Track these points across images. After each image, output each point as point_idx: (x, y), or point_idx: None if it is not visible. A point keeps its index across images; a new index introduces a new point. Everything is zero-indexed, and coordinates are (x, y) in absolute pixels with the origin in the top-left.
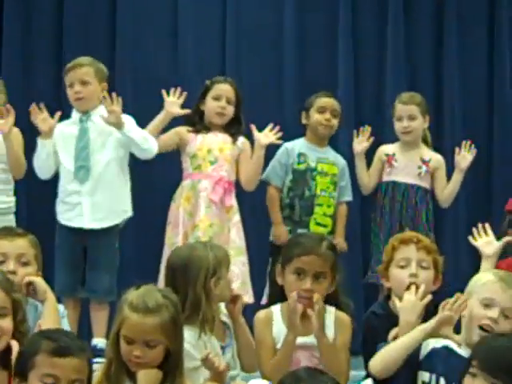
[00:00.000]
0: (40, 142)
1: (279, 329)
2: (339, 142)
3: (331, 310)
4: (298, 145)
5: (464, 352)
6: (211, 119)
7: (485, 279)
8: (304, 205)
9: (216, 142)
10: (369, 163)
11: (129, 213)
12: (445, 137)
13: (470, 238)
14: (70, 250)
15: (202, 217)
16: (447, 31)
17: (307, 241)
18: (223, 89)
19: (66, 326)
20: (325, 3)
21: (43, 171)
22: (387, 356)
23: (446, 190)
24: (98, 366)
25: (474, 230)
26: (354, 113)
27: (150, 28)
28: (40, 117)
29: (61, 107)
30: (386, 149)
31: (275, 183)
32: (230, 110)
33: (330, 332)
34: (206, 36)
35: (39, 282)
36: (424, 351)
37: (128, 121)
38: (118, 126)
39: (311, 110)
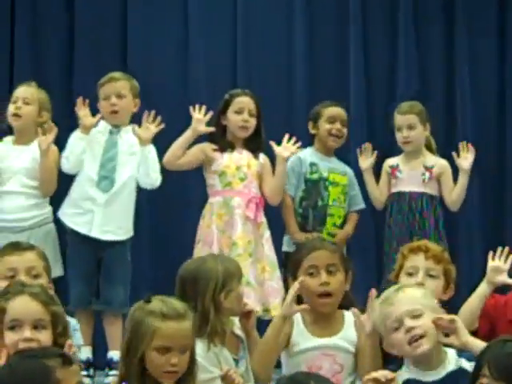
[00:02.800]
0: (79, 135)
1: (299, 332)
2: (351, 152)
3: (349, 314)
4: (309, 154)
5: (424, 376)
6: (235, 133)
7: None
8: (317, 215)
9: (243, 159)
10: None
11: (131, 232)
12: (457, 140)
13: (490, 255)
14: (84, 261)
15: (240, 234)
16: (458, 35)
17: (309, 241)
18: (244, 101)
19: (79, 339)
20: (335, 18)
21: (73, 164)
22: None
23: (454, 194)
24: (113, 378)
25: (499, 250)
26: (366, 122)
27: (160, 41)
28: (83, 111)
29: (71, 120)
30: (390, 161)
31: (290, 192)
32: (253, 123)
33: (352, 335)
34: (216, 48)
35: None
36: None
37: (152, 147)
38: (145, 142)
39: (320, 121)
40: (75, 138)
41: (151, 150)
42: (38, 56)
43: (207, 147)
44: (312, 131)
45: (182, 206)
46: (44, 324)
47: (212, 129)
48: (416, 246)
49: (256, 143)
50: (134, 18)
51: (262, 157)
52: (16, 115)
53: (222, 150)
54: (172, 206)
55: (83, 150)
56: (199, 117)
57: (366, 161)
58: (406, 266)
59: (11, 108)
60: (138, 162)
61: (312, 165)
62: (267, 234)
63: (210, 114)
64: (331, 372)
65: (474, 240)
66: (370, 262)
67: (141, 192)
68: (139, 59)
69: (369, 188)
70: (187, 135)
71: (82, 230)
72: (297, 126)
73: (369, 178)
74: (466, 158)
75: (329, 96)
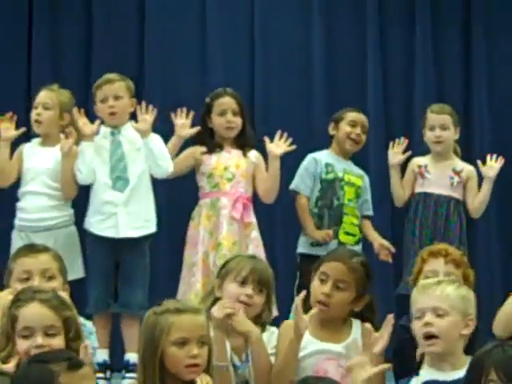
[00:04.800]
0: (84, 144)
1: (304, 338)
2: (369, 157)
3: (357, 323)
4: (324, 155)
5: (443, 376)
6: (222, 135)
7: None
8: (333, 214)
9: (231, 159)
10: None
11: (155, 224)
12: (474, 148)
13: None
14: (103, 264)
15: (225, 234)
16: (475, 42)
17: (339, 250)
18: (226, 102)
19: (94, 342)
20: (352, 21)
21: (86, 174)
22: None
23: (477, 200)
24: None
25: None
26: (384, 128)
27: (178, 51)
28: (82, 120)
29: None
30: (418, 161)
31: (304, 192)
32: (238, 121)
33: (358, 345)
34: (234, 53)
35: None
36: None
37: (155, 136)
38: (145, 134)
39: (341, 123)
40: (82, 147)
41: (154, 139)
42: (56, 57)
43: (197, 151)
44: (332, 132)
45: (187, 209)
46: (56, 330)
47: (196, 129)
48: (436, 250)
49: (243, 141)
50: (152, 30)
51: (255, 155)
52: (37, 121)
53: (211, 151)
54: (191, 208)
55: (92, 157)
56: (181, 122)
57: (396, 156)
58: (425, 269)
59: (33, 114)
60: (145, 155)
61: (327, 165)
62: (253, 234)
63: (192, 114)
64: (337, 375)
65: (491, 245)
66: (387, 264)
67: (159, 193)
68: (156, 65)
69: (393, 184)
70: (173, 142)
71: (110, 235)
72: (315, 129)
73: (395, 175)
74: (493, 167)
75: (346, 100)
